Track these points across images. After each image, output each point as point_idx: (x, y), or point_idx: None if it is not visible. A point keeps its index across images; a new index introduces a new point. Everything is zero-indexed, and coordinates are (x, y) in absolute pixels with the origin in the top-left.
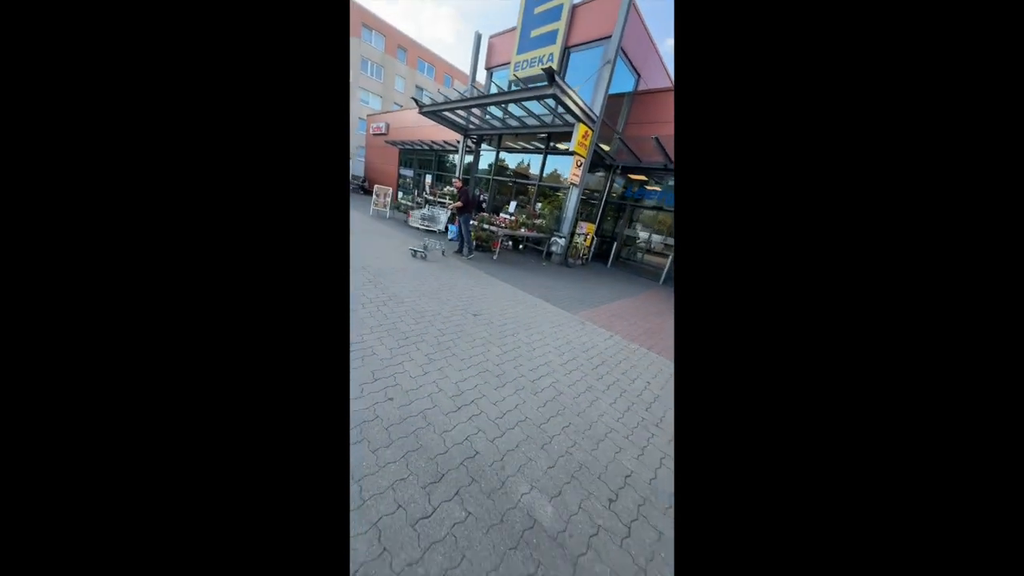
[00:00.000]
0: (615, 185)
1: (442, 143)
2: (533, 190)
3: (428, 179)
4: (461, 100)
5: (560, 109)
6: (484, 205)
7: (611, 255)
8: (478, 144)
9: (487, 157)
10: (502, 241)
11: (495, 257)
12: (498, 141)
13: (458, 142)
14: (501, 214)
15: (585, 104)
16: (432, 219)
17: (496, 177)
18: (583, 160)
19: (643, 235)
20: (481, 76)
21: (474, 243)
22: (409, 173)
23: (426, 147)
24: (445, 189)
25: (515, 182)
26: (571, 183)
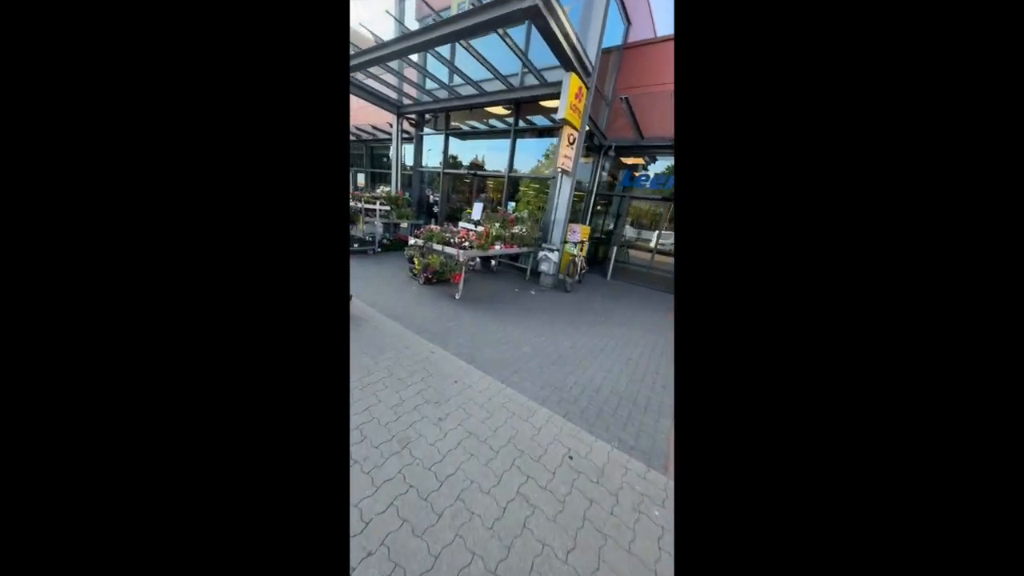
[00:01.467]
0: (602, 173)
1: (370, 129)
2: (493, 186)
3: (360, 179)
4: (383, 47)
5: (538, 62)
6: (436, 210)
7: (610, 263)
8: (418, 126)
9: (434, 146)
10: (466, 265)
11: (458, 296)
12: (445, 121)
13: (391, 125)
14: (461, 223)
15: (577, 38)
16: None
17: (448, 171)
18: (576, 134)
19: (644, 234)
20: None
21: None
22: None
23: (354, 137)
24: (379, 190)
25: (475, 175)
26: (561, 169)
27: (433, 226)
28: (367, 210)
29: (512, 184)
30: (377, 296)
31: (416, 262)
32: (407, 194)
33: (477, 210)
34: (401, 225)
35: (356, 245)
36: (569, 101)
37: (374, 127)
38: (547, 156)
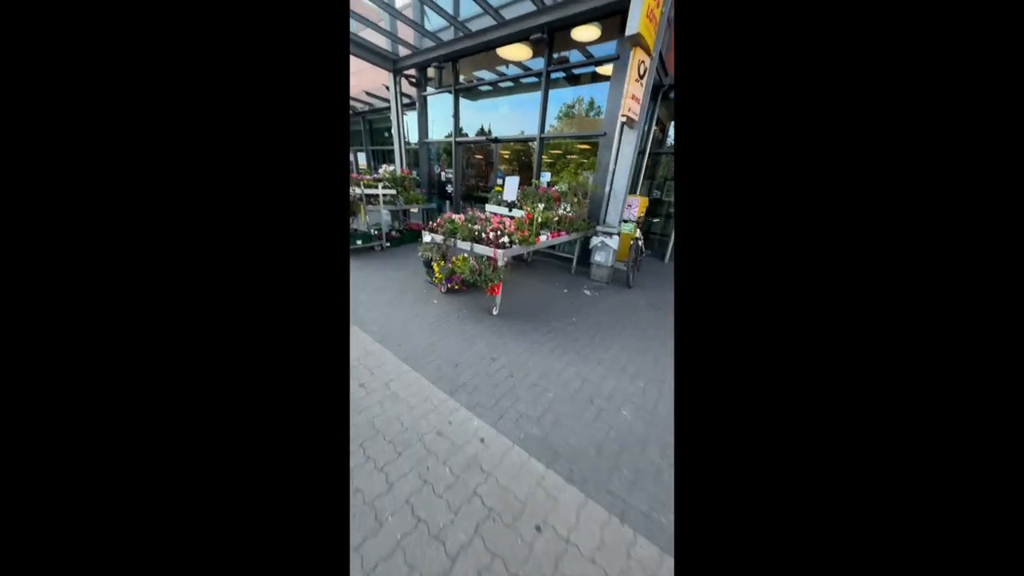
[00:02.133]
0: (653, 125)
1: (365, 97)
2: (509, 155)
3: (361, 159)
4: None
5: None
6: (450, 190)
7: (669, 243)
8: (420, 85)
9: (441, 113)
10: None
11: (496, 310)
12: (454, 74)
13: (388, 88)
14: (490, 207)
15: None
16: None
17: (462, 140)
18: (648, 63)
19: None
20: None
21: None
22: None
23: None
24: (381, 170)
25: (496, 141)
26: (624, 118)
27: (455, 215)
28: (369, 196)
29: (545, 152)
30: (389, 319)
31: (436, 268)
32: (414, 172)
33: (511, 187)
34: (411, 211)
35: (359, 242)
36: (646, 5)
37: (368, 93)
38: (564, 115)
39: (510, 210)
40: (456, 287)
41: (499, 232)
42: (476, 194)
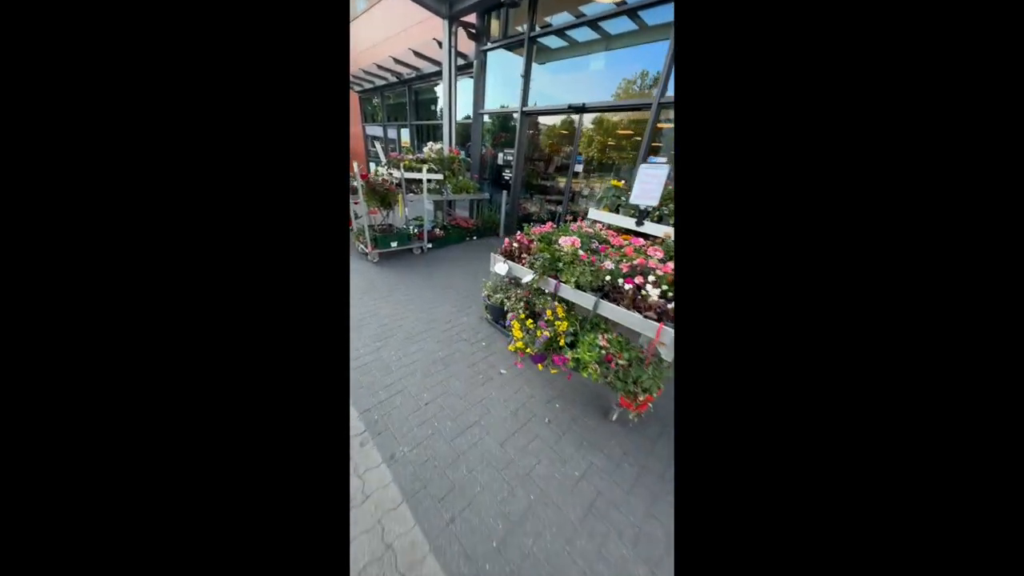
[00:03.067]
0: None
1: (412, 59)
2: (568, 134)
3: (404, 135)
4: None
5: None
6: (507, 176)
7: None
8: (479, 37)
9: (501, 78)
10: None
11: (615, 415)
12: (530, 16)
13: (440, 44)
14: (595, 214)
15: None
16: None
17: (530, 109)
18: None
19: None
20: None
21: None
22: (377, 132)
23: (393, 77)
24: (427, 149)
25: (580, 111)
26: None
27: (565, 236)
28: (410, 182)
29: (659, 122)
30: (431, 429)
31: (517, 331)
32: (463, 153)
33: (650, 182)
34: (455, 201)
35: (395, 244)
36: None
37: (416, 53)
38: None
39: (639, 223)
40: (554, 370)
41: (653, 275)
42: (536, 182)
